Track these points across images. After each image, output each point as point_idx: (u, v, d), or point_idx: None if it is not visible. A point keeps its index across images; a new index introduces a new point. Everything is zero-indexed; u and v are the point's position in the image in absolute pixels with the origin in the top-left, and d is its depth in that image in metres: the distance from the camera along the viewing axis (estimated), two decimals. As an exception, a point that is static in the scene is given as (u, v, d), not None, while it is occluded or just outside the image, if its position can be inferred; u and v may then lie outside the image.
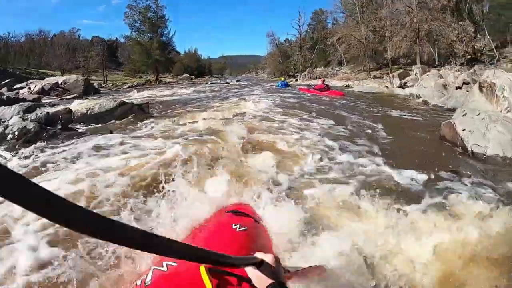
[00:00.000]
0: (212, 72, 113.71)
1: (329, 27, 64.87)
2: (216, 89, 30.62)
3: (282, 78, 36.85)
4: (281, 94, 22.50)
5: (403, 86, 26.25)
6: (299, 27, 62.98)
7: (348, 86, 33.36)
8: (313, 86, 25.52)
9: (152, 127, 10.12)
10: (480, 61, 32.42)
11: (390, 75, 29.62)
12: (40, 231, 3.33)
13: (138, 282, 1.86)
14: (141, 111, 12.56)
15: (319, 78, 47.68)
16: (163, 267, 1.85)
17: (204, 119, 10.81)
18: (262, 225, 2.81)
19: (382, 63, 44.95)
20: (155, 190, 3.94)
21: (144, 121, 11.14)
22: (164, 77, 77.43)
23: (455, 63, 32.92)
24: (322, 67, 60.72)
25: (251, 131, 8.61)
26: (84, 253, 2.64)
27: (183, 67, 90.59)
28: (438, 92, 18.58)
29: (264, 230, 2.76)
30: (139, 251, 1.33)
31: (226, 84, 43.36)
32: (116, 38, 74.34)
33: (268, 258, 1.42)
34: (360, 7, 44.24)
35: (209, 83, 50.71)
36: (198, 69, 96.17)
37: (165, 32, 57.18)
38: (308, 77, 50.51)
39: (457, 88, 18.01)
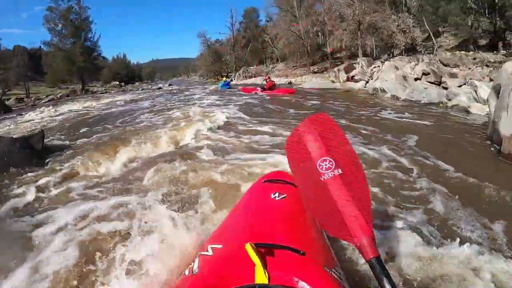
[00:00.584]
0: (143, 77, 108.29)
1: (263, 24, 63.07)
2: (149, 97, 26.10)
3: (224, 79, 34.59)
4: (233, 98, 19.16)
5: (351, 79, 24.28)
6: (231, 25, 59.99)
7: (290, 83, 30.89)
8: (263, 86, 22.48)
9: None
10: (416, 50, 31.91)
11: (335, 69, 27.31)
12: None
13: (186, 272, 1.83)
14: (27, 152, 6.41)
15: (255, 76, 45.50)
16: (208, 251, 1.84)
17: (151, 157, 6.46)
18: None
19: (320, 58, 42.96)
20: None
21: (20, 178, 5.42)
22: (92, 86, 73.47)
23: (392, 54, 32.50)
24: (255, 66, 58.56)
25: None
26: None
27: (112, 74, 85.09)
28: (400, 84, 16.61)
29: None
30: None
31: (158, 90, 38.71)
32: (40, 47, 66.02)
33: None
34: (297, 1, 41.67)
35: (140, 89, 46.04)
36: (128, 75, 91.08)
37: (89, 36, 50.88)
38: (243, 76, 47.68)
39: (416, 79, 16.79)
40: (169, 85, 57.63)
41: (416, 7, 34.24)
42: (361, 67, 24.87)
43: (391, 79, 17.34)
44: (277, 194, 2.30)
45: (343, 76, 25.02)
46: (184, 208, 3.78)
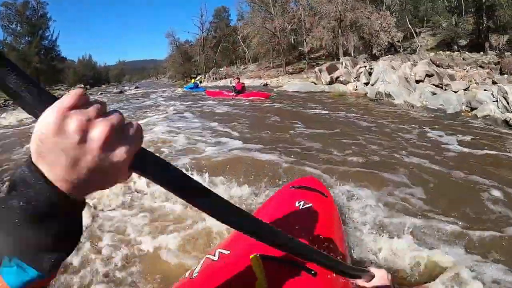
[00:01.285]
0: (110, 80, 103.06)
1: (234, 24, 60.06)
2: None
3: (193, 80, 30.87)
4: (198, 105, 15.39)
5: (335, 81, 21.37)
6: (201, 24, 55.58)
7: (266, 85, 27.59)
8: (233, 88, 18.23)
9: None
10: (396, 50, 30.02)
11: (316, 69, 24.22)
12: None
13: (186, 275, 1.73)
14: None
15: (225, 78, 42.16)
16: (215, 255, 1.74)
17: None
18: (330, 199, 2.55)
19: (296, 58, 39.90)
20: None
21: None
22: (56, 89, 69.22)
23: (371, 54, 30.18)
24: (225, 67, 54.89)
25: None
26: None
27: (77, 76, 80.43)
28: (405, 87, 13.85)
29: (332, 205, 2.48)
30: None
31: (119, 94, 32.96)
32: (-4, 46, 60.65)
33: (381, 273, 1.33)
34: None
35: (99, 93, 39.44)
36: (94, 77, 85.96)
37: (47, 35, 45.71)
38: (213, 78, 44.24)
39: (418, 81, 14.45)
40: (136, 87, 53.13)
41: (397, 5, 32.35)
42: (345, 67, 21.91)
43: (393, 81, 14.28)
44: (302, 203, 2.19)
45: (325, 77, 22.04)
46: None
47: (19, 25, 41.61)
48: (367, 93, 16.28)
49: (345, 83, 20.49)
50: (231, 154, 6.11)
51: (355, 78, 20.58)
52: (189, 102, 16.45)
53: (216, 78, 43.61)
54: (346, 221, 3.28)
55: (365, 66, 20.75)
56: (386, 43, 28.77)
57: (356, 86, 18.92)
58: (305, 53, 35.01)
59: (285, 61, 36.23)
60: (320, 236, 1.90)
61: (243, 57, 58.29)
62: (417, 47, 30.12)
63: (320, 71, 22.93)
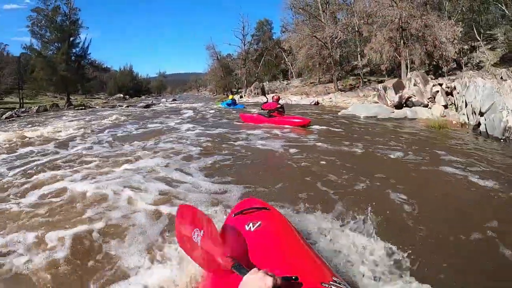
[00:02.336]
0: (151, 91, 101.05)
1: (277, 37, 55.78)
2: (111, 124, 15.68)
3: (231, 96, 27.44)
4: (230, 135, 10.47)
5: (405, 102, 17.13)
6: (243, 36, 52.06)
7: (317, 103, 23.52)
8: (269, 113, 13.05)
9: None
10: (459, 65, 26.16)
11: (379, 87, 19.66)
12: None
13: None
14: None
15: (268, 93, 38.32)
16: None
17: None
18: (274, 210, 2.63)
19: (346, 73, 35.52)
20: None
21: None
22: (96, 98, 67.39)
23: (432, 69, 26.71)
24: (267, 82, 51.06)
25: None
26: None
27: (117, 86, 79.37)
28: None
29: (277, 215, 2.57)
30: None
31: (146, 108, 27.85)
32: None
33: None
34: (323, 3, 34.01)
35: (126, 106, 33.85)
36: (134, 88, 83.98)
37: (77, 42, 41.57)
38: (255, 93, 40.41)
39: None
40: (173, 100, 51.84)
41: (461, 13, 27.38)
42: (415, 84, 17.57)
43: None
44: (251, 224, 2.27)
45: (392, 97, 17.73)
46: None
47: (48, 30, 38.65)
48: (465, 123, 11.57)
49: (418, 105, 16.25)
50: None
51: (428, 99, 16.35)
52: (217, 130, 11.90)
53: (258, 93, 39.91)
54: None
55: (440, 84, 16.51)
56: (454, 57, 24.20)
57: (443, 112, 14.51)
58: (359, 68, 30.54)
59: (337, 75, 31.90)
60: (284, 247, 2.05)
61: (286, 71, 54.58)
62: (479, 62, 26.17)
63: (385, 89, 18.57)
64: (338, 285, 1.66)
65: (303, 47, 31.98)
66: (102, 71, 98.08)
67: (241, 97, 38.93)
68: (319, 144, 8.67)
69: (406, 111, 15.31)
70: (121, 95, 69.45)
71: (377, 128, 11.77)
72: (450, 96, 15.51)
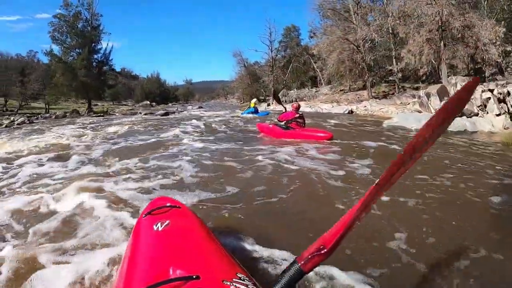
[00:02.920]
0: (179, 98, 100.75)
1: (305, 43, 54.28)
2: (123, 133, 14.06)
3: (252, 104, 25.46)
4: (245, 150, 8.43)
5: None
6: (270, 43, 50.62)
7: (351, 112, 21.73)
8: (286, 124, 10.87)
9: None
10: (501, 69, 23.35)
11: (421, 93, 17.63)
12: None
13: None
14: None
15: (296, 100, 36.61)
16: None
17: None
18: (184, 207, 2.61)
19: (383, 78, 33.67)
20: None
21: None
22: (123, 104, 67.27)
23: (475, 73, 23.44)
24: (295, 89, 49.21)
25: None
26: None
27: (144, 93, 79.36)
28: None
29: (187, 212, 2.54)
30: None
31: (164, 116, 25.98)
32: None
33: None
34: (355, 3, 31.64)
35: (145, 113, 31.97)
36: (161, 95, 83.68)
37: (98, 48, 40.32)
38: (283, 101, 38.66)
39: None
40: (199, 107, 51.24)
41: (504, 12, 25.05)
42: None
43: None
44: (159, 224, 2.21)
45: (436, 104, 15.75)
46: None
47: (68, 36, 37.84)
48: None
49: (467, 114, 14.22)
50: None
51: (478, 107, 14.36)
52: (226, 144, 9.82)
53: (286, 101, 38.21)
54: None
55: (490, 90, 14.47)
56: (499, 60, 21.97)
57: (505, 123, 12.42)
58: (394, 73, 28.39)
59: (371, 82, 29.55)
60: (189, 246, 2.00)
61: (315, 78, 52.85)
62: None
63: (428, 96, 16.58)
64: (241, 281, 1.61)
65: (334, 51, 29.76)
66: (130, 78, 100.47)
67: (268, 105, 37.17)
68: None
69: (465, 123, 12.90)
70: (148, 102, 69.70)
71: (445, 147, 8.34)
72: (502, 104, 13.55)
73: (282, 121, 10.89)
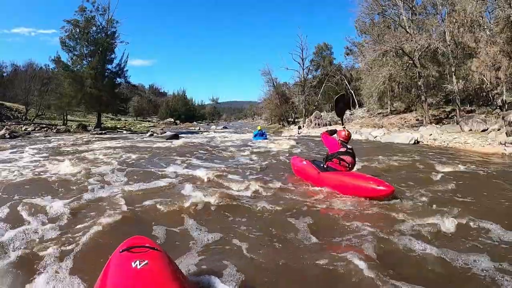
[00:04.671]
0: (205, 117, 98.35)
1: (338, 62, 51.19)
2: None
3: (259, 127, 23.62)
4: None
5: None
6: (302, 60, 45.77)
7: (417, 142, 16.32)
8: (323, 164, 6.95)
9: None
10: None
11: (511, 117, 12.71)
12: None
13: None
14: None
15: (330, 124, 32.24)
16: None
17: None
18: (162, 252, 2.52)
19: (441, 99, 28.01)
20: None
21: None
22: (147, 121, 65.03)
23: None
24: (325, 111, 45.71)
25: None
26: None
27: (169, 110, 77.36)
28: None
29: (165, 256, 2.48)
30: None
31: (170, 141, 18.54)
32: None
33: None
34: (407, 8, 25.55)
35: (148, 135, 26.48)
36: (186, 113, 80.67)
37: (112, 57, 35.31)
38: (315, 124, 34.18)
39: None
40: (224, 127, 48.66)
41: None
42: None
43: None
44: (138, 262, 2.16)
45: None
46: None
47: (78, 42, 33.45)
48: None
49: None
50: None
51: None
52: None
53: (318, 124, 33.70)
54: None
55: None
56: None
57: None
58: (455, 92, 22.25)
59: (427, 103, 23.77)
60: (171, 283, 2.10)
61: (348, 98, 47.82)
62: None
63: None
64: None
65: (384, 65, 24.34)
66: (158, 95, 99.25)
67: (299, 128, 32.45)
68: None
69: None
70: (172, 120, 67.69)
71: None
72: None
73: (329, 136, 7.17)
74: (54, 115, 42.43)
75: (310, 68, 50.46)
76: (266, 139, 19.73)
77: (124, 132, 30.63)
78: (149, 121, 67.42)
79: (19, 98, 48.75)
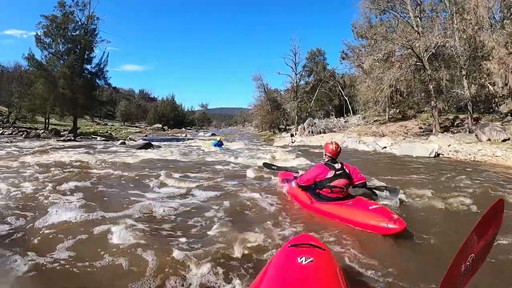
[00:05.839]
0: (194, 123, 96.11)
1: (332, 67, 48.82)
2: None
3: (219, 138, 23.73)
4: None
5: None
6: (295, 65, 43.37)
7: (438, 155, 13.40)
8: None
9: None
10: None
11: None
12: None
13: None
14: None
15: (324, 132, 30.11)
16: None
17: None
18: (328, 252, 2.54)
19: (450, 107, 25.00)
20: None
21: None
22: (134, 126, 62.94)
23: None
24: (318, 118, 43.42)
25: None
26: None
27: (157, 115, 75.37)
28: None
29: (330, 256, 2.48)
30: None
31: (141, 151, 15.98)
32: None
33: None
34: (413, 3, 22.27)
35: (119, 143, 22.73)
36: (175, 118, 78.89)
37: (92, 56, 32.18)
38: (308, 131, 31.82)
39: None
40: (212, 134, 45.20)
41: None
42: None
43: None
44: (303, 258, 2.20)
45: None
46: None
47: (55, 39, 30.34)
48: None
49: None
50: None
51: None
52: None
53: (312, 132, 31.32)
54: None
55: None
56: None
57: None
58: (467, 98, 19.61)
59: (438, 109, 21.03)
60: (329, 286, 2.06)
61: (340, 106, 47.59)
62: None
63: None
64: None
65: (390, 68, 21.57)
66: (148, 100, 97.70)
67: (292, 135, 29.90)
68: None
69: None
70: (160, 125, 65.87)
71: None
72: None
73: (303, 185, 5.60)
74: (35, 119, 39.92)
75: (303, 73, 48.29)
76: (222, 148, 20.19)
77: (98, 138, 27.77)
78: (136, 126, 65.24)
79: (2, 100, 47.67)
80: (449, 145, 14.27)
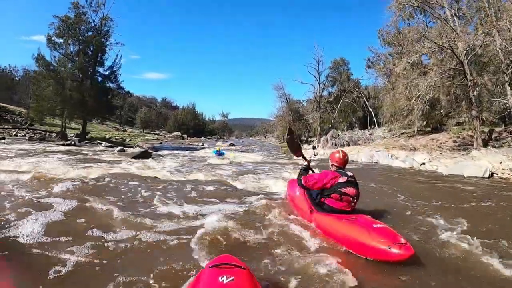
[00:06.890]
0: (215, 132, 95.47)
1: (356, 77, 47.20)
2: None
3: (218, 148, 23.89)
4: None
5: None
6: (318, 74, 41.77)
7: (491, 176, 11.05)
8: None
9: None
10: None
11: None
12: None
13: None
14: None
15: (348, 144, 28.22)
16: None
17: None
18: (248, 270, 2.50)
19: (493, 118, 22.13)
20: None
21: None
22: (153, 133, 62.34)
23: None
24: (341, 130, 41.02)
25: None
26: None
27: (177, 123, 74.87)
28: None
29: (251, 275, 2.47)
30: None
31: (137, 161, 14.31)
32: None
33: None
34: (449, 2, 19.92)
35: (121, 149, 20.74)
36: (196, 127, 78.19)
37: (104, 59, 31.17)
38: (331, 144, 29.77)
39: None
40: (230, 144, 43.87)
41: None
42: None
43: None
44: (224, 278, 2.22)
45: None
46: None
47: (67, 40, 29.48)
48: None
49: None
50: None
51: None
52: None
53: (336, 144, 29.26)
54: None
55: None
56: None
57: None
58: (510, 107, 17.30)
59: (478, 119, 18.02)
60: None
61: (364, 118, 45.80)
62: None
63: None
64: None
65: (432, 68, 18.88)
66: (170, 109, 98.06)
67: (314, 147, 27.88)
68: None
69: None
70: (179, 133, 65.41)
71: None
72: None
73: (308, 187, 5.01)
74: (54, 122, 39.35)
75: (326, 83, 46.43)
76: (223, 156, 20.91)
77: (103, 144, 26.41)
78: (155, 133, 64.52)
79: (22, 102, 50.49)
80: (501, 162, 11.93)
